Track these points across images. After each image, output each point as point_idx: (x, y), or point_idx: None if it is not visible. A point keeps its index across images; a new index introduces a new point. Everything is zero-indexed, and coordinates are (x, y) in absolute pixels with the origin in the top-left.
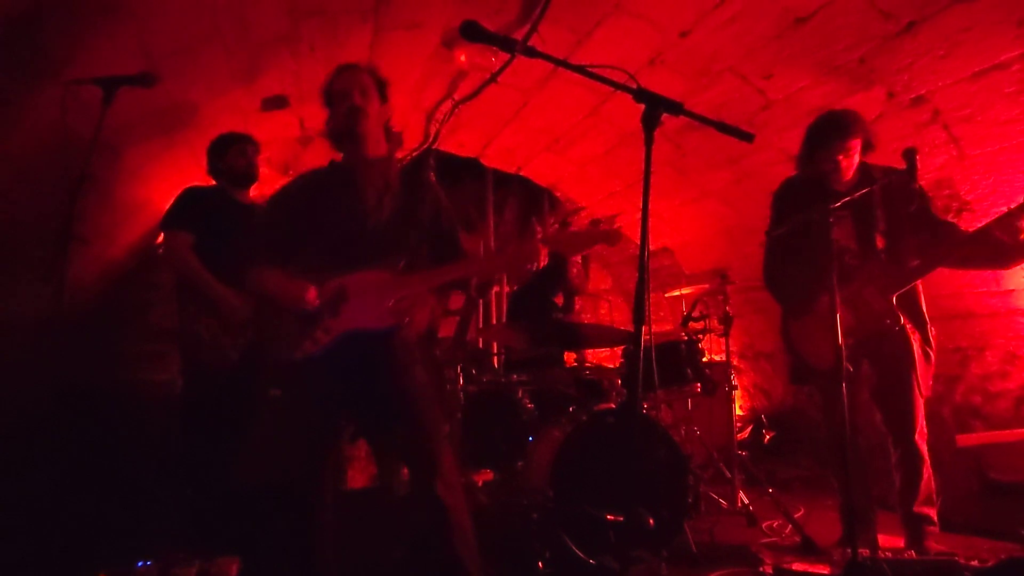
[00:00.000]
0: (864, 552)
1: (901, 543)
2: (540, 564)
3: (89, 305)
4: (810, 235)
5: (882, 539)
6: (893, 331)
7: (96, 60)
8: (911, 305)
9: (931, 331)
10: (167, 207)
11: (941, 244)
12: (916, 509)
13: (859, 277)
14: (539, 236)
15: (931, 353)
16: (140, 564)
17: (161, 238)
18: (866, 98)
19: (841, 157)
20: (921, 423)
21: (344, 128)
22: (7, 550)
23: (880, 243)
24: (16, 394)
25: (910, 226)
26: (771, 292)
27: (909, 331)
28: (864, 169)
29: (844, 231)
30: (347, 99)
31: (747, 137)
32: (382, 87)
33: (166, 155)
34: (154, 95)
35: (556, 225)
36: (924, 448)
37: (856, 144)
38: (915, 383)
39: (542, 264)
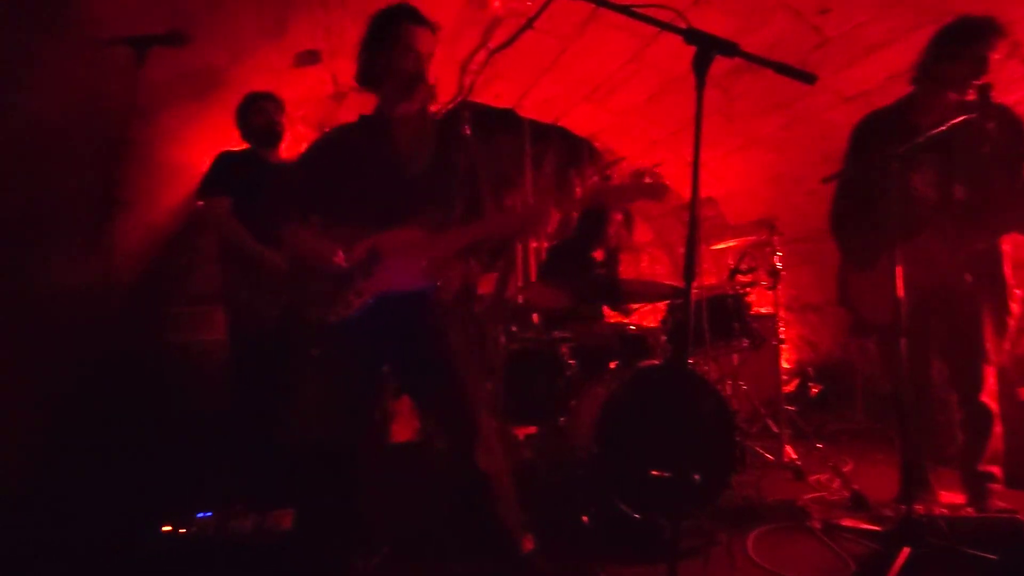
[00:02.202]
0: (920, 509)
1: (962, 501)
2: (584, 519)
3: (135, 270)
4: (882, 179)
5: (943, 496)
6: (959, 290)
7: (126, 19)
8: (990, 267)
9: (1014, 296)
10: (205, 171)
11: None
12: (980, 467)
13: (929, 229)
14: (555, 193)
15: (1008, 321)
16: (200, 515)
17: (200, 204)
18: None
19: (995, 54)
20: (990, 382)
21: (405, 86)
22: (76, 505)
23: (960, 193)
24: (72, 362)
25: (996, 175)
26: (835, 239)
27: (980, 293)
28: (961, 108)
29: (925, 177)
30: (416, 63)
31: (808, 78)
32: (437, 32)
33: (202, 117)
34: (185, 56)
35: (596, 177)
36: (994, 406)
37: (997, 51)
38: (984, 344)
39: (552, 225)
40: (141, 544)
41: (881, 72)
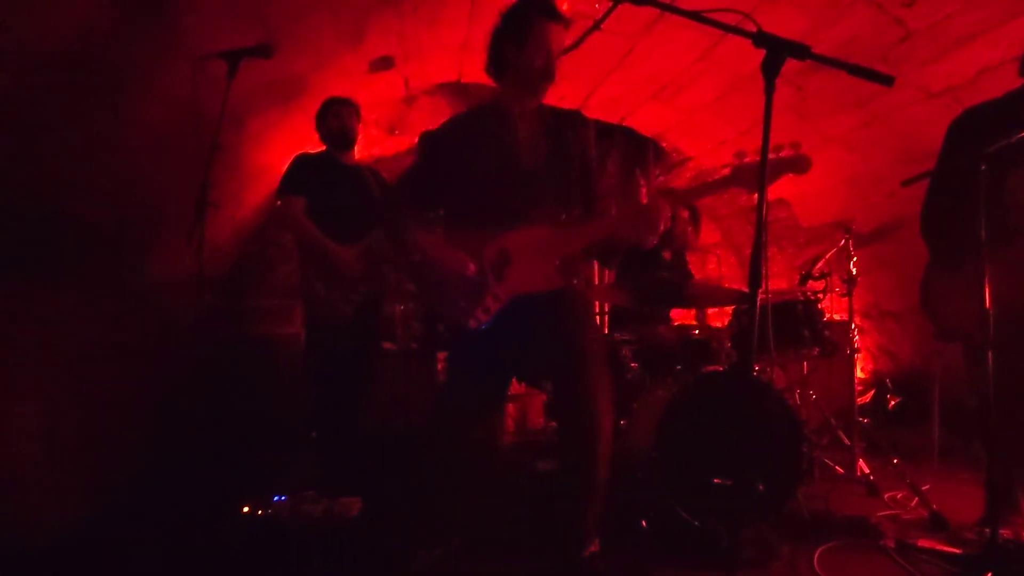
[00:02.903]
0: (1007, 534)
1: None
2: (643, 523)
3: (223, 264)
4: (971, 180)
5: None
6: None
7: (220, 32)
8: None
9: None
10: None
11: None
12: None
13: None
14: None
15: None
16: (276, 499)
17: (278, 204)
18: None
19: None
20: None
21: (535, 82)
22: (162, 487)
23: None
24: (173, 352)
25: None
26: (924, 238)
27: None
28: None
29: None
30: (548, 60)
31: (886, 80)
32: (568, 26)
33: (285, 121)
34: (272, 65)
35: (660, 177)
36: None
37: None
38: None
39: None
40: (223, 524)
41: (971, 66)
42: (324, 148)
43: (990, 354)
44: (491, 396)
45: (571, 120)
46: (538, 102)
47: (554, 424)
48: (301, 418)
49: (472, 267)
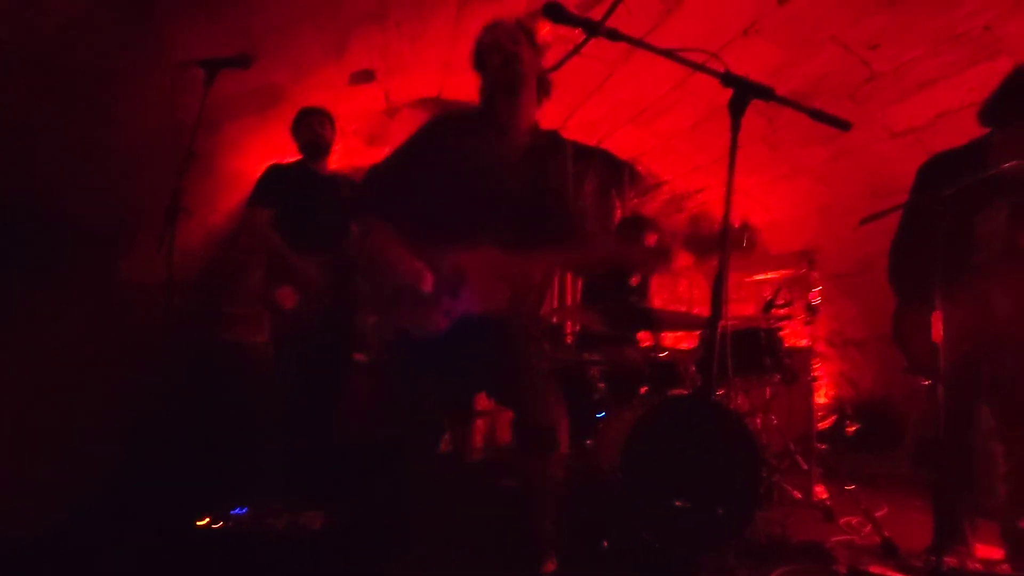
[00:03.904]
0: (952, 562)
1: (1000, 556)
2: (605, 543)
3: (195, 270)
4: (947, 221)
5: (980, 550)
6: (1014, 341)
7: (201, 40)
8: None
9: None
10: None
11: None
12: (1022, 523)
13: (989, 277)
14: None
15: None
16: (236, 511)
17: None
18: (989, 69)
19: None
20: None
21: (501, 79)
22: (120, 496)
23: None
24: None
25: None
26: (892, 277)
27: None
28: None
29: (995, 223)
30: (499, 49)
31: (843, 125)
32: (531, 36)
33: (262, 130)
34: (251, 73)
35: (635, 199)
36: None
37: None
38: None
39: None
40: (176, 536)
41: (931, 109)
42: (299, 157)
43: (940, 387)
44: (431, 404)
45: (553, 146)
46: (531, 114)
47: None
48: (269, 428)
49: (429, 282)
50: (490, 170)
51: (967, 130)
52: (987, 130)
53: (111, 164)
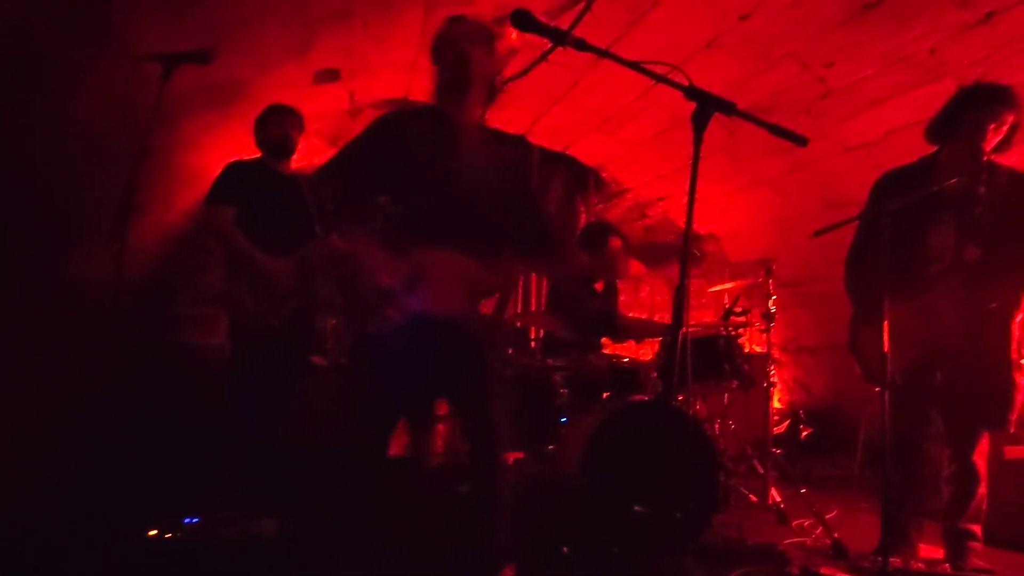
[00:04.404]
0: (897, 562)
1: (941, 556)
2: (564, 549)
3: (148, 268)
4: (898, 234)
5: (923, 550)
6: (962, 350)
7: (161, 34)
8: (998, 336)
9: (1020, 367)
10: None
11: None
12: (961, 524)
13: (938, 287)
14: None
15: (1015, 394)
16: (187, 521)
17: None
18: (934, 91)
19: (992, 126)
20: (984, 442)
21: (449, 77)
22: (65, 505)
23: (971, 254)
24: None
25: (1000, 238)
26: (848, 289)
27: (985, 358)
28: (990, 168)
29: (942, 237)
30: (454, 45)
31: (800, 141)
32: (491, 39)
33: (222, 126)
34: (212, 69)
35: (599, 206)
36: (982, 466)
37: (1010, 120)
38: (983, 408)
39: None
40: (126, 547)
41: (882, 126)
42: (259, 155)
43: (886, 395)
44: (386, 407)
45: (512, 149)
46: (465, 117)
47: None
48: (222, 433)
49: (389, 275)
50: (445, 167)
51: (915, 147)
52: (933, 148)
53: (62, 159)
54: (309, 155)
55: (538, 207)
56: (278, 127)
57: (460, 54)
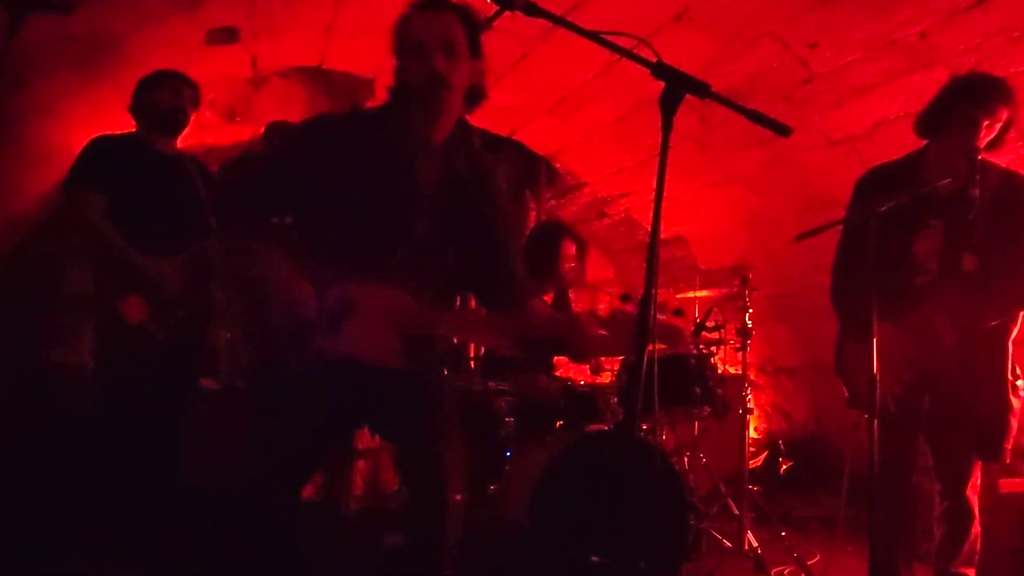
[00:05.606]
0: None
1: None
2: None
3: None
4: (878, 241)
5: None
6: (956, 373)
7: None
8: (992, 353)
9: (1015, 389)
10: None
11: None
12: (954, 568)
13: (932, 301)
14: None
15: (1008, 418)
16: None
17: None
18: (924, 79)
19: (986, 122)
20: (976, 476)
21: (418, 100)
22: None
23: (969, 263)
24: None
25: (998, 245)
26: (834, 306)
27: (979, 379)
28: (983, 168)
29: (929, 244)
30: (426, 59)
31: (783, 130)
32: (475, 36)
33: (86, 91)
34: (74, 20)
35: (552, 201)
36: (975, 502)
37: (1004, 115)
38: (977, 436)
39: None
40: None
41: (869, 117)
42: (135, 129)
43: (875, 423)
44: (305, 448)
45: (487, 170)
46: (448, 130)
47: None
48: (88, 478)
49: (309, 309)
50: (391, 191)
51: (903, 140)
52: (924, 143)
53: None
54: (200, 131)
55: (511, 257)
56: (176, 95)
57: (435, 76)
